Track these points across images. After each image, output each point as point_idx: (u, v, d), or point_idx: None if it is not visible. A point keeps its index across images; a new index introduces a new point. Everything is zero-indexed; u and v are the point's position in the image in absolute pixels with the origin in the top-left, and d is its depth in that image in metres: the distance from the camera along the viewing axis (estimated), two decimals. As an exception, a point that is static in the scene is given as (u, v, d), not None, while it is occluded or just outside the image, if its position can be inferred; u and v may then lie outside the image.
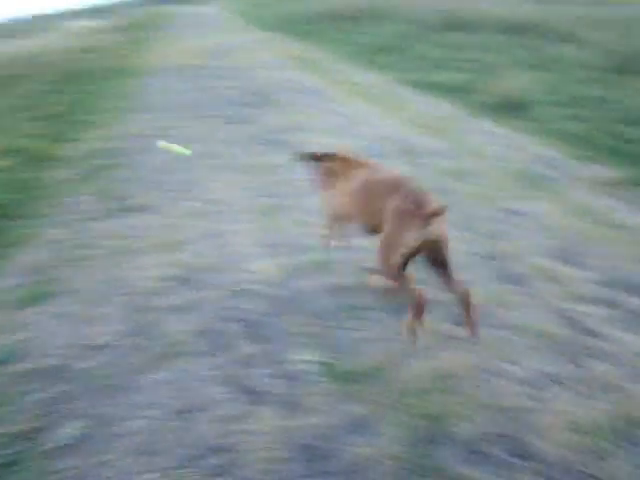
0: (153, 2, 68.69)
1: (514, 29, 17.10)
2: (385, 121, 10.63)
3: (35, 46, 25.40)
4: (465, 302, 4.43)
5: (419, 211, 4.03)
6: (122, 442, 3.99)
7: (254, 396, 4.34)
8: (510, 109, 10.63)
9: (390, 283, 4.57)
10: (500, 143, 9.07)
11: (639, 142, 8.44)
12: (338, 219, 5.47)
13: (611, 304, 4.95)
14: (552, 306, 5.05)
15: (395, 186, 4.32)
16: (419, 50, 16.36)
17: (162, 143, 7.39)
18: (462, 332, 4.74)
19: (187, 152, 7.47)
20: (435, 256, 4.29)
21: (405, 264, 4.22)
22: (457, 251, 5.47)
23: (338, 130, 10.49)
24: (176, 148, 7.41)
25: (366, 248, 5.87)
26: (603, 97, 10.50)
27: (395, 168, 5.67)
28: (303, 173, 6.22)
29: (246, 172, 9.03)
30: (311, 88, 14.06)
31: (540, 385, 4.23)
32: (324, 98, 12.92)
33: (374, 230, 4.64)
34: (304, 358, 4.75)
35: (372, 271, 5.24)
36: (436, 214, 4.00)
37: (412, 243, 4.09)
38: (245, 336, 5.10)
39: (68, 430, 4.10)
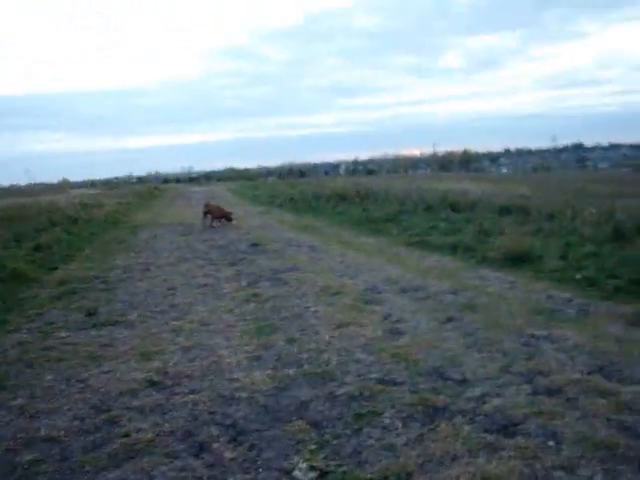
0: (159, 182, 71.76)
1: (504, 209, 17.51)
2: (386, 267, 10.21)
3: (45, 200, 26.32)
4: None
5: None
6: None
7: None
8: (509, 262, 10.35)
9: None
10: (504, 285, 8.60)
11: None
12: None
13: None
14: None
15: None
16: (415, 221, 16.46)
17: None
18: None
19: None
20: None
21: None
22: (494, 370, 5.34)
23: (336, 271, 9.99)
24: None
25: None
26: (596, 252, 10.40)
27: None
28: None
29: (233, 300, 8.37)
30: (308, 243, 13.76)
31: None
32: (321, 250, 12.57)
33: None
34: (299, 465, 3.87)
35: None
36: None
37: None
38: (226, 440, 4.27)
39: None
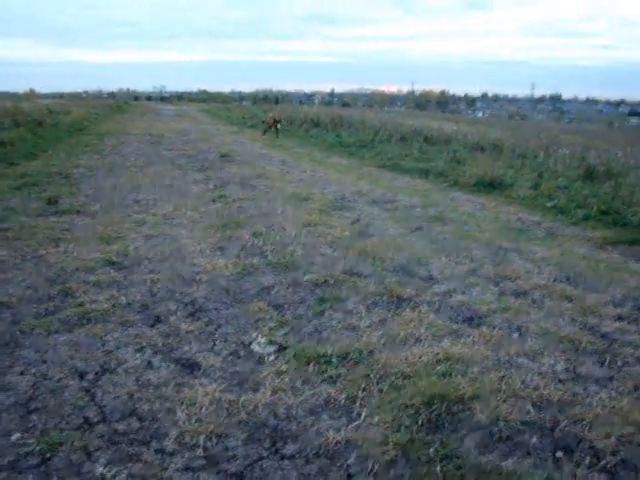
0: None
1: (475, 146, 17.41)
2: (357, 183, 10.06)
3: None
4: None
5: None
6: None
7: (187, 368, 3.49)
8: (480, 187, 10.31)
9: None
10: (474, 206, 8.56)
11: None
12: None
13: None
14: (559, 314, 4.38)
15: None
16: (388, 148, 16.27)
17: None
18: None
19: None
20: None
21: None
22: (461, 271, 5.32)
23: (306, 182, 9.83)
24: None
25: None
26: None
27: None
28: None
29: (199, 199, 8.20)
30: (279, 158, 13.52)
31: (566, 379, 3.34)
32: (292, 165, 12.36)
33: None
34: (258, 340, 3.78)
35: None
36: None
37: None
38: (184, 315, 4.15)
39: None
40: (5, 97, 37.95)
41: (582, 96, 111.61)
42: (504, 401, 3.12)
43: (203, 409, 3.01)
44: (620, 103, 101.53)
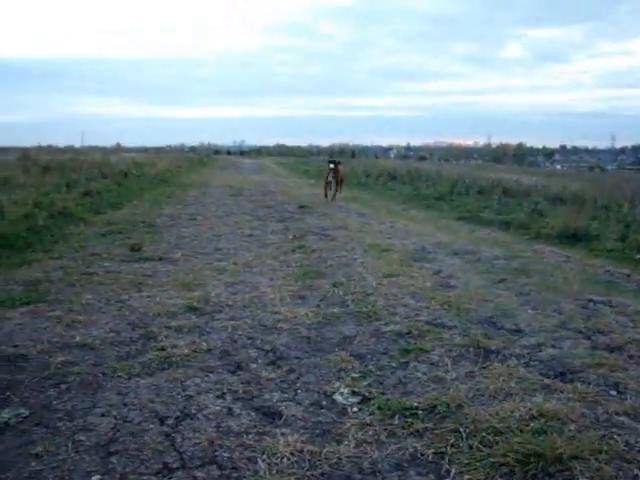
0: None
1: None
2: (436, 234, 9.92)
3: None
4: None
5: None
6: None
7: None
8: (563, 239, 9.99)
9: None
10: (559, 258, 8.27)
11: None
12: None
13: None
14: None
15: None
16: (466, 200, 16.08)
17: None
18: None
19: None
20: None
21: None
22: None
23: (385, 233, 9.73)
24: None
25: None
26: None
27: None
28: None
29: (279, 249, 8.24)
30: (357, 210, 13.50)
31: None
32: (370, 217, 12.31)
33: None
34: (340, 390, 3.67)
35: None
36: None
37: None
38: (264, 363, 4.11)
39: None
40: (94, 151, 39.68)
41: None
42: (607, 463, 2.88)
43: (284, 459, 2.90)
44: None
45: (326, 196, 15.44)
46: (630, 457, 2.96)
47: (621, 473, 2.82)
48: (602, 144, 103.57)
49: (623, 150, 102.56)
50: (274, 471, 2.81)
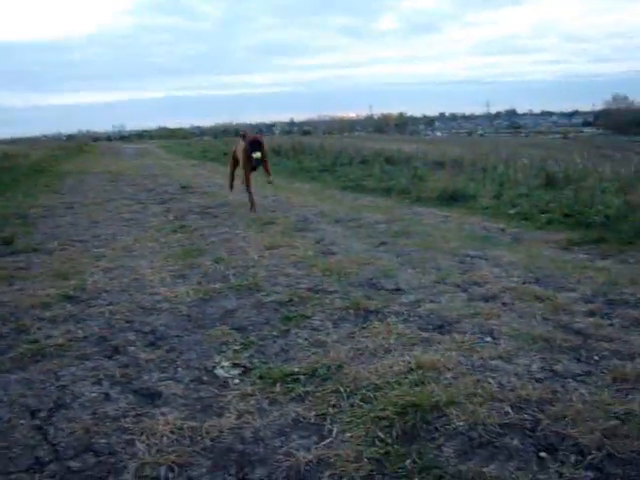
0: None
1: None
2: (319, 205, 9.98)
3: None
4: None
5: None
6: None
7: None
8: (442, 200, 10.31)
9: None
10: (438, 219, 8.52)
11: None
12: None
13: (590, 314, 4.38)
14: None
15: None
16: (349, 170, 16.28)
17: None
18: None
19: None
20: None
21: None
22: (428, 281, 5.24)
23: (268, 207, 9.70)
24: None
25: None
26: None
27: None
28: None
29: (159, 231, 8.04)
30: (239, 187, 13.35)
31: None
32: (254, 192, 12.19)
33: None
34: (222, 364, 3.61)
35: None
36: None
37: None
38: (143, 344, 3.98)
39: None
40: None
41: (537, 110, 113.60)
42: (481, 405, 2.97)
43: (164, 439, 2.82)
44: (573, 114, 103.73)
45: (232, 188, 10.87)
46: (502, 397, 3.07)
47: (494, 412, 2.92)
48: (479, 110, 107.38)
49: (498, 115, 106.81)
50: (153, 451, 2.73)
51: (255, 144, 9.38)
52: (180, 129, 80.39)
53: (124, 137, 74.58)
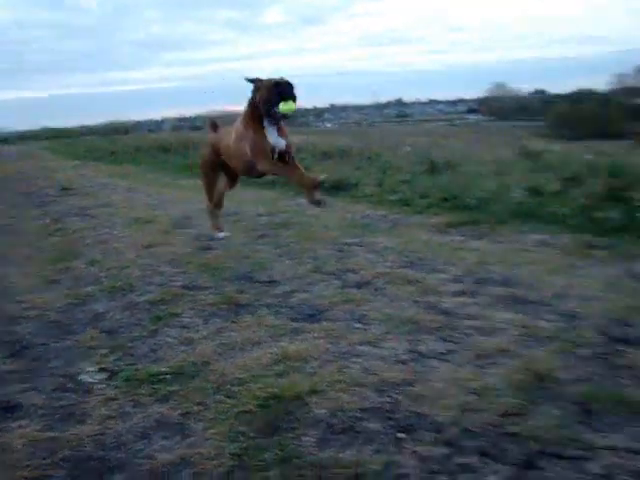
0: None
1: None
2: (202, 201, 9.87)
3: None
4: None
5: None
6: None
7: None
8: (326, 191, 10.45)
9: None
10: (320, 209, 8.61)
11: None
12: None
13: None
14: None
15: None
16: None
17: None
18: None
19: None
20: None
21: None
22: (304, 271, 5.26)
23: (150, 205, 9.50)
24: None
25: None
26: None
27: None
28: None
29: (34, 235, 7.76)
30: (126, 186, 13.02)
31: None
32: (138, 191, 11.95)
33: None
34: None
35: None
36: None
37: None
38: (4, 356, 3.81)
39: None
40: None
41: (423, 99, 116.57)
42: (343, 391, 3.02)
43: (19, 453, 2.71)
44: (458, 101, 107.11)
45: (218, 205, 7.07)
46: (365, 381, 3.12)
47: (355, 397, 2.96)
48: (368, 100, 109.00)
49: (387, 105, 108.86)
50: (5, 468, 2.61)
51: (287, 88, 5.60)
52: (66, 129, 77.43)
53: (5, 139, 71.18)
